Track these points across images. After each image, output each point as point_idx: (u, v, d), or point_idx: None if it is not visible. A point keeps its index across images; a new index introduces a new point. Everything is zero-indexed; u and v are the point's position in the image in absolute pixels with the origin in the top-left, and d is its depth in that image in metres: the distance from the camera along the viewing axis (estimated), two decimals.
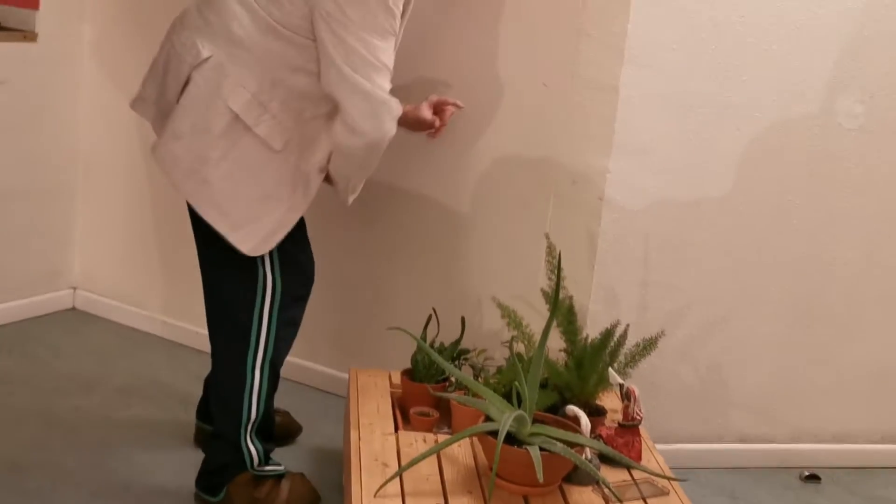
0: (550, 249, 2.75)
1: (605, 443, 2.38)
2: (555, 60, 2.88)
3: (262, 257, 2.53)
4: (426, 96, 2.79)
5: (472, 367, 2.69)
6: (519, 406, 2.24)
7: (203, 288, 2.65)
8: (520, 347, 2.61)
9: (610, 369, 2.52)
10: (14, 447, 2.82)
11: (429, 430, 2.54)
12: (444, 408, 2.60)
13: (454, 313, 2.83)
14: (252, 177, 2.47)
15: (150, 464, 2.82)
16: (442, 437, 2.46)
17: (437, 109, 2.80)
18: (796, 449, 3.19)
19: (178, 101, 2.49)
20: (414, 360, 2.69)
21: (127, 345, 3.61)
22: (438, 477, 2.26)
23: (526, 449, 2.11)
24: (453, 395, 2.49)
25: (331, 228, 3.12)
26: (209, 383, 2.81)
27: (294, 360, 3.30)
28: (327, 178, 2.60)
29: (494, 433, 2.12)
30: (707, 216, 2.93)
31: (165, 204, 3.58)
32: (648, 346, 2.62)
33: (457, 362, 2.70)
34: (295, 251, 2.59)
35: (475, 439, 2.37)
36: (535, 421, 2.23)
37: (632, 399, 2.43)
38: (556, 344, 2.57)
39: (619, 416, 2.47)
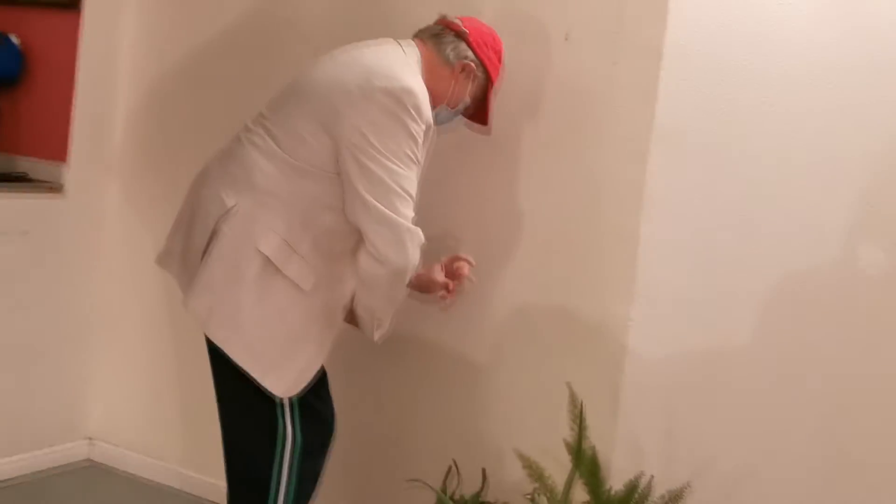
0: (572, 399, 2.71)
1: None
2: (575, 208, 2.90)
3: (283, 409, 2.50)
4: (442, 250, 2.80)
5: None
6: None
7: (222, 440, 2.62)
8: (542, 500, 2.54)
9: None
10: None
11: None
12: None
13: (475, 464, 2.78)
14: (282, 318, 2.48)
15: None
16: None
17: (450, 271, 2.80)
18: None
19: (204, 252, 2.51)
20: None
21: (144, 499, 3.55)
22: None
23: None
24: None
25: (350, 378, 3.10)
26: None
27: None
28: (353, 320, 2.60)
29: None
30: (731, 364, 2.88)
31: (184, 355, 3.57)
32: (674, 498, 2.55)
33: None
34: (316, 402, 2.57)
35: None
36: None
37: None
38: (579, 496, 2.51)
39: None
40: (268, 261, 2.45)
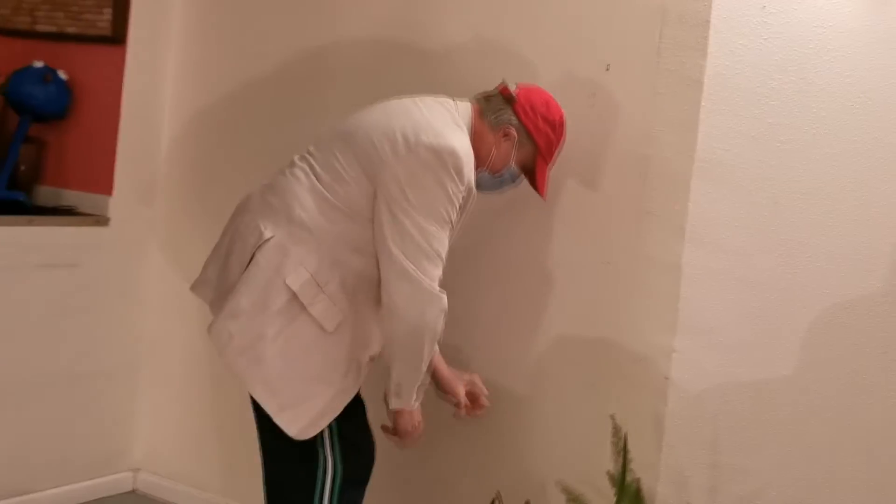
0: (616, 431, 2.69)
1: None
2: (617, 239, 2.89)
3: (323, 440, 2.50)
4: (484, 277, 2.79)
5: None
6: None
7: (262, 471, 2.62)
8: None
9: None
10: None
11: None
12: None
13: (519, 496, 2.76)
14: (303, 357, 2.47)
15: None
16: None
17: (469, 394, 2.80)
18: None
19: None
20: None
21: None
22: None
23: None
24: None
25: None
26: None
27: None
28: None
29: None
30: (777, 395, 2.85)
31: (227, 386, 3.58)
32: None
33: None
34: (355, 434, 2.57)
35: None
36: None
37: None
38: None
39: None
40: (294, 296, 2.45)
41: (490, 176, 2.68)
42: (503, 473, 3.03)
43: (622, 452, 2.46)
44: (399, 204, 2.41)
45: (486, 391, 2.81)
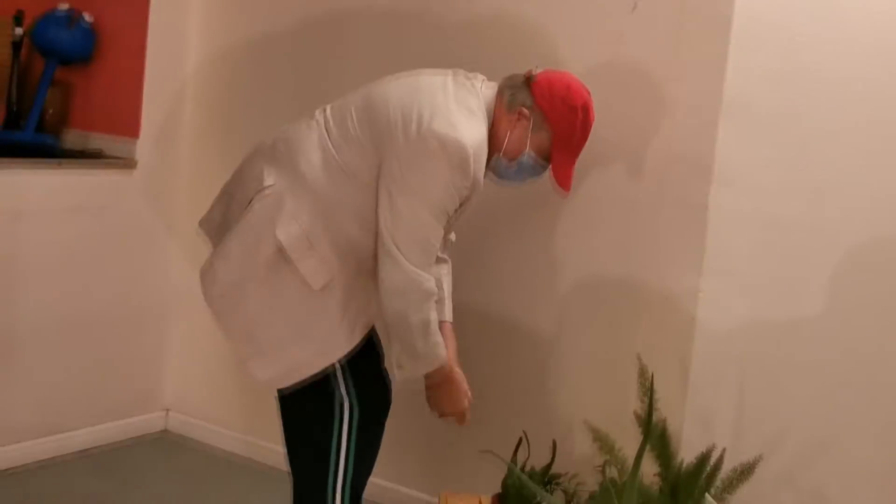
0: (642, 371, 2.70)
1: None
2: (643, 180, 2.89)
3: (337, 380, 2.52)
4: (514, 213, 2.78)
5: (565, 492, 2.64)
6: None
7: (281, 413, 2.65)
8: (613, 472, 2.55)
9: (707, 496, 2.45)
10: None
11: None
12: None
13: (545, 437, 2.79)
14: (286, 310, 2.47)
15: None
16: None
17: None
18: None
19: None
20: (505, 484, 2.65)
21: (217, 467, 3.62)
22: None
23: None
24: None
25: None
26: None
27: (384, 484, 3.28)
28: None
29: None
30: (803, 336, 2.86)
31: None
32: (746, 471, 2.54)
33: (548, 487, 2.65)
34: (369, 372, 2.58)
35: None
36: None
37: None
38: (649, 469, 2.51)
39: None
40: (282, 248, 2.43)
41: (506, 163, 2.56)
42: (529, 414, 3.06)
43: (648, 393, 2.47)
44: (397, 184, 2.36)
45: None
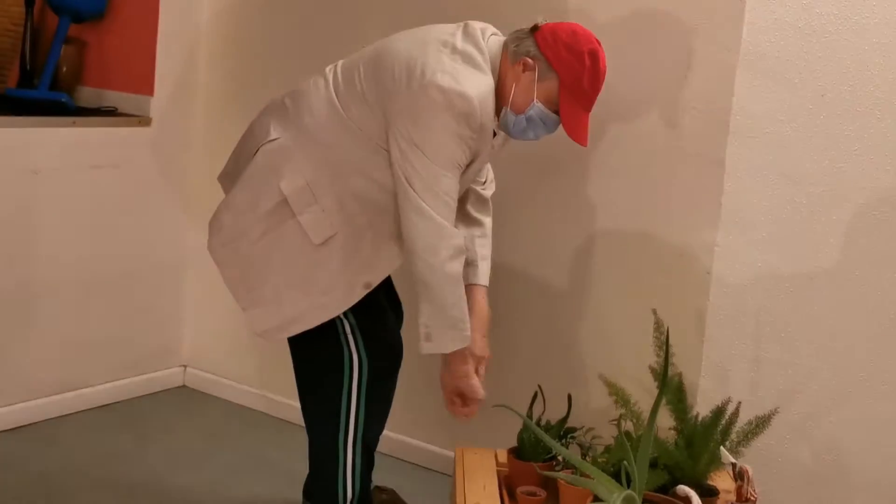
0: (658, 325, 2.70)
1: None
2: (660, 134, 2.87)
3: (346, 335, 2.53)
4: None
5: (580, 445, 2.65)
6: (628, 486, 2.19)
7: (294, 369, 2.67)
8: (628, 426, 2.56)
9: (722, 448, 2.46)
10: None
11: None
12: (551, 487, 2.56)
13: (560, 390, 2.80)
14: (285, 262, 2.48)
15: None
16: None
17: (461, 395, 2.61)
18: None
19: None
20: (520, 438, 2.66)
21: (235, 422, 3.66)
22: None
23: None
24: (561, 475, 2.45)
25: None
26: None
27: (399, 438, 3.31)
28: None
29: None
30: (820, 289, 2.85)
31: None
32: (762, 424, 2.54)
33: (564, 441, 2.67)
34: (375, 327, 2.58)
35: None
36: (644, 501, 2.18)
37: (745, 479, 2.36)
38: (665, 422, 2.52)
39: (733, 497, 2.40)
40: (285, 201, 2.44)
41: (514, 117, 2.49)
42: (545, 368, 3.08)
43: (664, 346, 2.47)
44: (406, 140, 2.35)
45: (481, 394, 2.59)
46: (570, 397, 2.72)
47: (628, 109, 2.91)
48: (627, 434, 2.46)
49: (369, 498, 2.70)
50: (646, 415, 2.38)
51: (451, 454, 2.94)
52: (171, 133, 3.73)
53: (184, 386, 3.93)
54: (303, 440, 2.74)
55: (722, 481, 2.56)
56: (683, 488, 2.30)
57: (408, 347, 2.69)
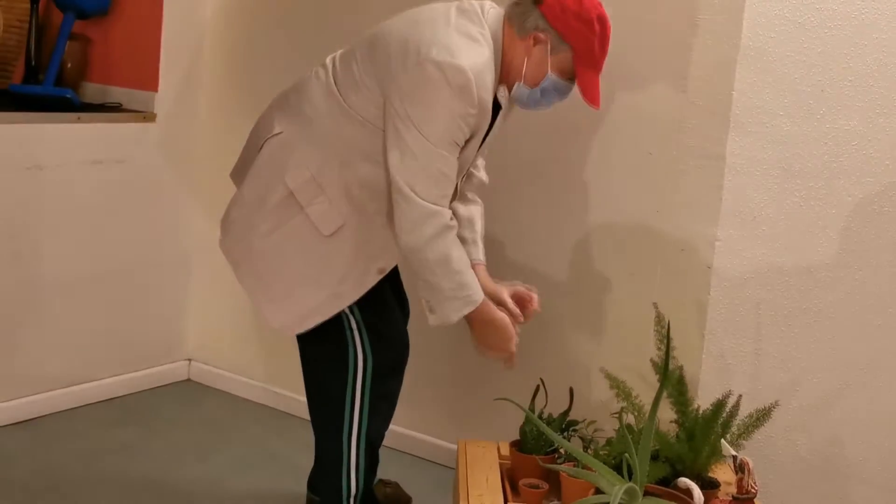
0: (659, 319, 2.72)
1: None
2: (660, 129, 2.89)
3: (351, 332, 2.54)
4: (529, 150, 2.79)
5: (582, 438, 2.67)
6: (629, 478, 2.21)
7: (301, 365, 2.69)
8: (630, 419, 2.58)
9: (723, 441, 2.47)
10: None
11: (538, 503, 2.52)
12: (553, 480, 2.58)
13: (562, 384, 2.81)
14: (297, 256, 2.49)
15: None
16: None
17: (517, 297, 2.65)
18: None
19: None
20: (522, 431, 2.68)
21: (240, 415, 3.67)
22: None
23: None
24: (563, 467, 2.46)
25: None
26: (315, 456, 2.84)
27: (402, 431, 3.32)
28: None
29: None
30: (820, 283, 2.87)
31: None
32: (762, 416, 2.56)
33: (566, 434, 2.68)
34: (381, 324, 2.59)
35: None
36: (646, 493, 2.20)
37: (746, 471, 2.38)
38: (666, 415, 2.54)
39: (733, 489, 2.41)
40: (291, 195, 2.44)
41: (528, 90, 2.49)
42: (547, 361, 3.09)
43: (665, 340, 2.49)
44: (402, 119, 2.33)
45: (534, 295, 2.68)
46: (571, 390, 2.74)
47: (628, 104, 2.92)
48: (629, 427, 2.48)
49: (372, 494, 2.72)
50: (647, 408, 2.40)
51: (454, 447, 2.96)
52: (175, 129, 3.74)
53: (189, 380, 3.95)
54: (307, 433, 2.76)
55: (723, 474, 2.58)
56: (685, 481, 2.32)
57: (411, 341, 2.71)
